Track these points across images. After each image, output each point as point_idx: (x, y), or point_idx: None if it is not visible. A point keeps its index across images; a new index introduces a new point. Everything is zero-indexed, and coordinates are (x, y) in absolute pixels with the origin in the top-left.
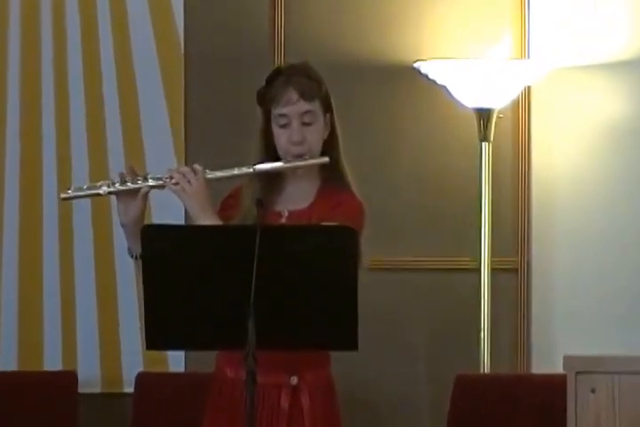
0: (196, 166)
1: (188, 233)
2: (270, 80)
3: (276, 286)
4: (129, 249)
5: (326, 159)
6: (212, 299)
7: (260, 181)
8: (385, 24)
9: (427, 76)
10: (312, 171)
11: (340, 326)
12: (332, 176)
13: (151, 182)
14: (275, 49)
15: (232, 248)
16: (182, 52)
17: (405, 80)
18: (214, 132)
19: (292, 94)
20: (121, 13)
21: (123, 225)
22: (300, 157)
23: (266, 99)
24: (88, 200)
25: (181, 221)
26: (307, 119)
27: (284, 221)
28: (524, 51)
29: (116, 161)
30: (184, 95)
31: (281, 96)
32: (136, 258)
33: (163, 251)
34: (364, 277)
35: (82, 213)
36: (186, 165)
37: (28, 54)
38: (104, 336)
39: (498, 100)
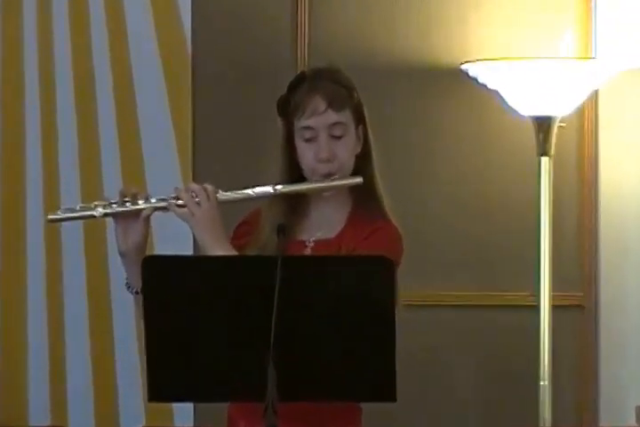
0: (208, 186)
1: (196, 265)
2: (293, 87)
3: (300, 327)
4: (127, 282)
5: (359, 179)
6: (225, 342)
7: (281, 205)
8: (425, 21)
9: (475, 80)
10: (342, 193)
11: (374, 374)
12: (365, 199)
13: (155, 203)
14: (297, 51)
15: (248, 282)
16: (189, 55)
17: (450, 85)
18: (227, 147)
19: (319, 103)
20: (119, 12)
21: (121, 254)
22: (328, 176)
23: (288, 108)
24: (79, 223)
25: (189, 251)
26: (336, 132)
27: (308, 252)
28: (589, 50)
29: (112, 181)
30: (191, 105)
31: (305, 105)
32: (136, 293)
33: (167, 286)
34: (400, 316)
35: (71, 239)
36: None
37: (9, 59)
38: (98, 385)
39: (559, 107)
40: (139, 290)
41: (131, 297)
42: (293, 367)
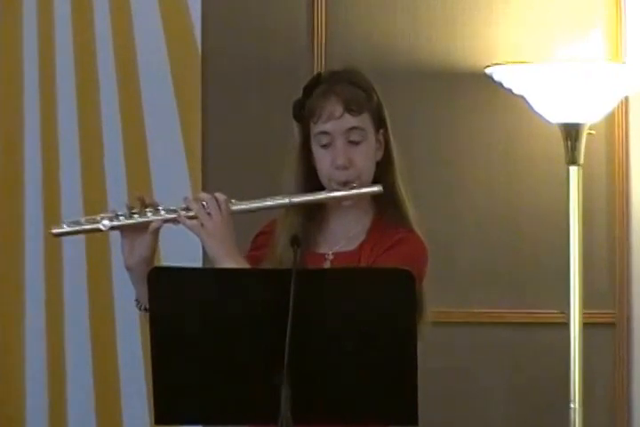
0: (219, 196)
1: (206, 278)
2: (309, 90)
3: (315, 345)
4: (137, 299)
5: (379, 188)
6: (235, 361)
7: (298, 216)
8: (448, 22)
9: (501, 84)
10: (363, 202)
11: (395, 395)
12: (387, 208)
13: (164, 215)
14: (314, 53)
15: (261, 297)
16: (199, 57)
17: (474, 89)
18: (238, 153)
19: (335, 107)
20: (125, 13)
21: (128, 268)
22: (346, 184)
23: (304, 112)
24: (81, 236)
25: (199, 263)
26: (354, 137)
27: (327, 265)
28: (620, 53)
29: (116, 189)
30: (201, 109)
31: (322, 109)
32: (145, 310)
33: (174, 300)
34: (426, 333)
35: (73, 252)
36: None
37: (9, 67)
38: (101, 408)
39: (588, 113)
40: (147, 307)
41: (138, 313)
42: (308, 388)
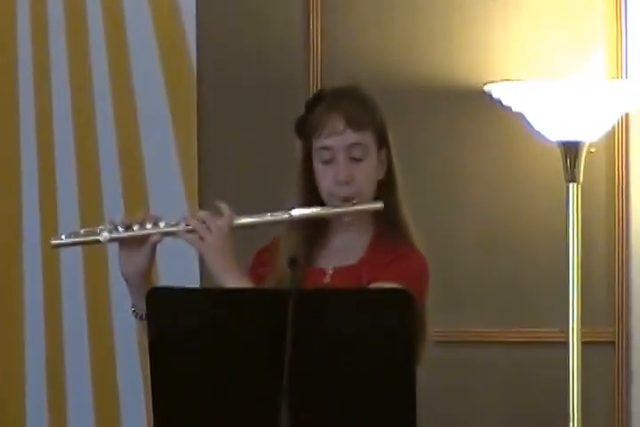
0: (226, 210)
1: (204, 298)
2: (311, 105)
3: (314, 366)
4: (133, 307)
5: (380, 204)
6: (234, 382)
7: (299, 233)
8: (446, 39)
9: (500, 102)
10: (363, 218)
11: (393, 417)
12: (388, 225)
13: (164, 228)
14: (310, 69)
15: (259, 317)
16: (194, 71)
17: (473, 107)
18: (235, 170)
19: (337, 122)
20: (119, 28)
21: (125, 278)
22: (347, 200)
23: (306, 128)
24: (77, 247)
25: (196, 280)
26: (355, 153)
27: (328, 279)
28: (620, 70)
29: (113, 207)
30: (197, 126)
31: (324, 125)
32: (141, 318)
33: (172, 320)
34: (428, 352)
35: (71, 263)
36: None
37: (3, 85)
38: (101, 422)
39: (588, 131)
40: (144, 315)
41: (133, 323)
42: (306, 410)
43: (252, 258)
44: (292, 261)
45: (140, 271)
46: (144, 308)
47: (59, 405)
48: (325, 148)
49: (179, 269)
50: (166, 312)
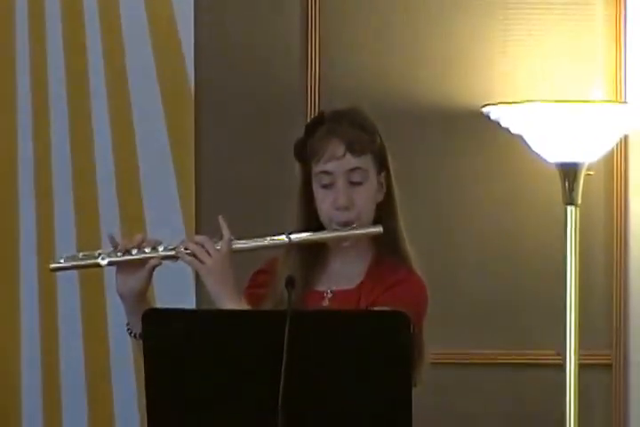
0: (226, 233)
1: (200, 319)
2: (311, 129)
3: (310, 388)
4: (128, 326)
5: (379, 229)
6: (230, 403)
7: (298, 256)
8: (444, 60)
9: (498, 124)
10: (362, 243)
11: None
12: (387, 249)
13: (163, 251)
14: (307, 90)
15: (255, 339)
16: (192, 92)
17: (471, 129)
18: (233, 192)
19: (337, 147)
20: (117, 46)
21: (121, 297)
22: (346, 225)
23: (305, 152)
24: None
25: (192, 294)
26: (355, 178)
27: (326, 303)
28: (619, 92)
29: (110, 227)
30: (194, 147)
31: (323, 149)
32: (135, 337)
33: (168, 341)
34: (425, 375)
35: (67, 286)
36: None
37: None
38: None
39: (586, 153)
40: (138, 334)
41: (130, 340)
42: None
43: (247, 279)
44: (289, 281)
45: (137, 292)
46: (139, 326)
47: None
48: (325, 172)
49: (175, 289)
50: (162, 333)
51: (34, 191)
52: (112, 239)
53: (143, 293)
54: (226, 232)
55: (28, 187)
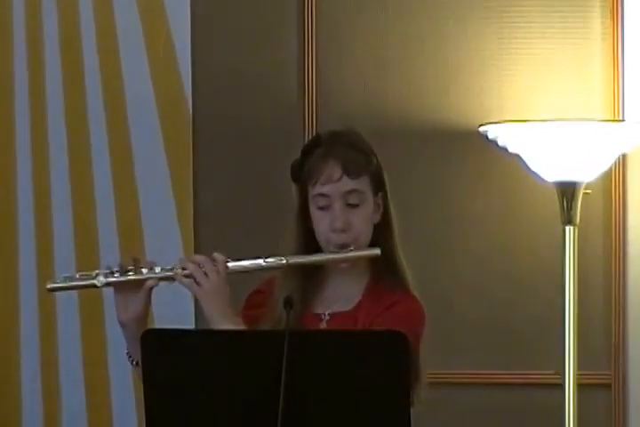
0: (217, 255)
1: (198, 340)
2: (307, 151)
3: (309, 408)
4: (128, 353)
5: (377, 251)
6: (229, 425)
7: (296, 277)
8: (441, 80)
9: (495, 143)
10: (360, 264)
11: None
12: (384, 271)
13: (160, 273)
14: (304, 112)
15: (254, 359)
16: (190, 115)
17: (469, 148)
18: (231, 213)
19: (334, 170)
20: (115, 71)
21: (121, 324)
22: (344, 247)
23: (302, 174)
24: (73, 291)
25: (191, 322)
26: (352, 200)
27: (324, 325)
28: (617, 111)
29: (109, 252)
30: (192, 169)
31: (320, 172)
32: (136, 364)
33: (167, 362)
34: (423, 395)
35: (67, 308)
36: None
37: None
38: None
39: (584, 172)
40: (138, 362)
41: (131, 368)
42: None
43: (244, 299)
44: (287, 302)
45: (137, 317)
46: (139, 354)
47: None
48: (322, 195)
49: (174, 313)
50: (161, 354)
51: (32, 205)
52: (109, 266)
53: (143, 317)
54: (220, 257)
55: (26, 199)
